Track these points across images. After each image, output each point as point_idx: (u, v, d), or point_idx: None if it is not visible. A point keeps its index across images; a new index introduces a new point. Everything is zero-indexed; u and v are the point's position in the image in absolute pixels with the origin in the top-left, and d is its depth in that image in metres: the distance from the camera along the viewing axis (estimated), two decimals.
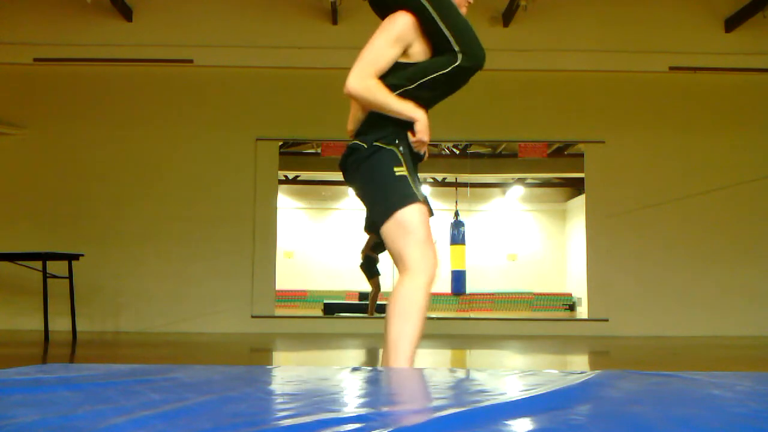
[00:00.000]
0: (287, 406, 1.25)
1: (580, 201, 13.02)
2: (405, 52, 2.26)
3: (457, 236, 13.09)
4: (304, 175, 15.81)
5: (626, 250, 7.77)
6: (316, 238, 16.84)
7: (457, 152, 13.31)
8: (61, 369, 1.84)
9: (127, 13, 7.80)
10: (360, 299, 13.41)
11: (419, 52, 2.27)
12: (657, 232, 7.79)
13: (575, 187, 15.80)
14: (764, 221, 7.80)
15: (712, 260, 7.74)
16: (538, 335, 7.62)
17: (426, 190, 14.96)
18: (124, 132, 7.85)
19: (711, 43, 7.96)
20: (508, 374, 1.78)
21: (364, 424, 1.03)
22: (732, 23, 7.87)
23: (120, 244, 7.65)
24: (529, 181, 16.61)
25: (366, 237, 9.52)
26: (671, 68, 7.94)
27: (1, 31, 7.79)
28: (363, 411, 1.18)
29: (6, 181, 7.76)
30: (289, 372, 1.89)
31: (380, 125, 2.25)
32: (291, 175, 15.58)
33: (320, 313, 11.63)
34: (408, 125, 2.24)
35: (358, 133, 2.31)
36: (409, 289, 2.14)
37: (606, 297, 7.73)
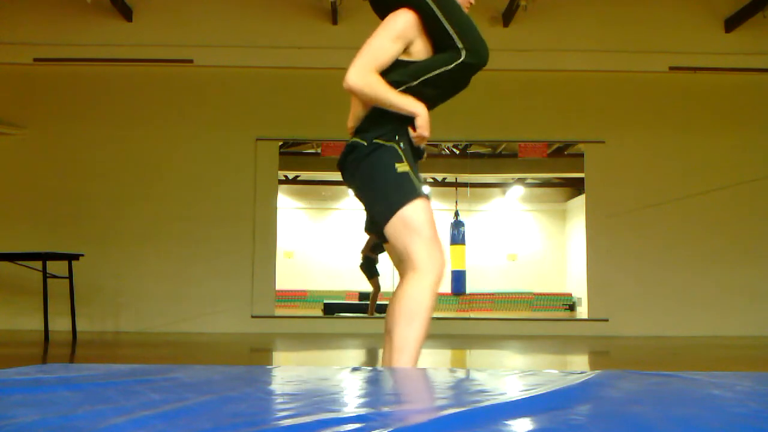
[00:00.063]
0: (287, 406, 1.25)
1: (580, 201, 13.02)
2: (406, 50, 2.24)
3: (457, 236, 13.10)
4: (304, 175, 15.81)
5: (626, 250, 7.76)
6: (316, 238, 16.84)
7: (457, 152, 13.31)
8: (61, 369, 1.84)
9: (127, 13, 7.80)
10: (360, 299, 13.41)
11: (420, 50, 2.26)
12: (657, 232, 7.79)
13: (575, 187, 15.80)
14: (764, 221, 7.80)
15: (712, 260, 7.74)
16: (538, 335, 7.62)
17: (426, 190, 14.94)
18: (124, 132, 7.85)
19: (711, 43, 7.96)
20: (508, 374, 1.78)
21: (364, 424, 1.03)
22: (732, 23, 7.87)
23: (120, 244, 7.65)
24: (529, 181, 16.61)
25: (366, 237, 9.53)
26: (671, 68, 7.94)
27: (1, 31, 7.79)
28: (363, 411, 1.18)
29: (6, 181, 7.76)
30: (289, 372, 1.88)
31: (380, 122, 2.23)
32: (291, 175, 15.58)
33: (320, 313, 11.63)
34: (408, 121, 2.22)
35: (358, 131, 2.28)
36: (416, 290, 2.11)
37: (606, 297, 7.73)
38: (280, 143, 8.27)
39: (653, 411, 1.23)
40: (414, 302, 2.10)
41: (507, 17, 7.80)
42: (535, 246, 17.25)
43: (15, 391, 1.40)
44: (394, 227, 2.17)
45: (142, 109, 7.92)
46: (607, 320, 7.70)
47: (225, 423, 1.07)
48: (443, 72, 2.23)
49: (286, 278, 13.29)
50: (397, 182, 2.17)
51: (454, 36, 2.23)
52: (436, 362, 4.47)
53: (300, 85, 7.92)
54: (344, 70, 2.19)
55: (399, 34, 2.22)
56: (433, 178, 15.59)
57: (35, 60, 7.82)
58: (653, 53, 7.91)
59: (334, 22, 7.87)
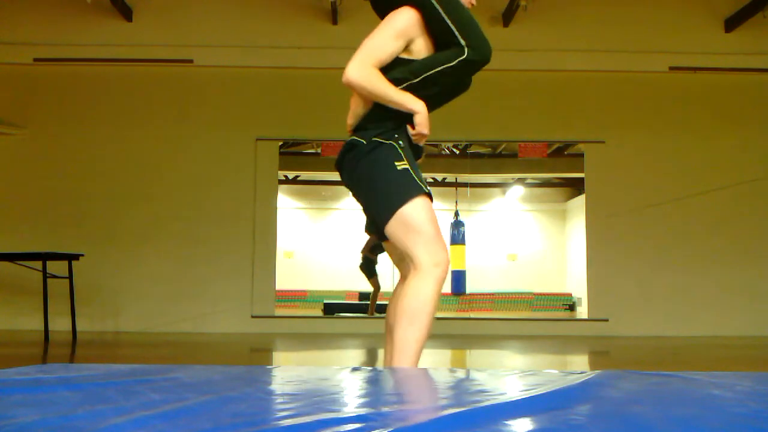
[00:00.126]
0: (287, 406, 1.25)
1: (580, 201, 13.02)
2: (407, 49, 2.23)
3: (457, 236, 13.10)
4: (304, 175, 15.82)
5: (626, 250, 7.76)
6: (316, 238, 16.84)
7: (457, 152, 13.31)
8: (61, 369, 1.84)
9: (127, 13, 7.80)
10: (360, 299, 13.41)
11: (421, 49, 2.25)
12: (657, 232, 7.79)
13: (575, 187, 15.80)
14: (764, 221, 7.79)
15: (712, 260, 7.74)
16: (538, 335, 7.62)
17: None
18: (124, 132, 7.85)
19: (711, 43, 7.96)
20: (508, 374, 1.78)
21: (364, 424, 1.03)
22: (732, 23, 7.87)
23: (120, 244, 7.65)
24: (529, 181, 16.61)
25: (366, 237, 9.54)
26: (671, 68, 7.94)
27: (1, 31, 7.79)
28: (363, 411, 1.18)
29: (6, 181, 7.76)
30: (289, 372, 1.89)
31: (380, 120, 2.21)
32: (291, 175, 15.58)
33: (320, 313, 11.63)
34: (408, 119, 2.20)
35: (357, 129, 2.26)
36: (419, 290, 2.09)
37: (606, 297, 7.73)
38: (280, 143, 8.27)
39: (653, 411, 1.23)
40: (416, 302, 2.09)
41: (507, 17, 7.81)
42: (535, 246, 17.25)
43: (15, 391, 1.40)
44: (394, 226, 2.15)
45: (142, 109, 7.92)
46: (607, 320, 7.70)
47: (225, 423, 1.07)
48: (446, 69, 2.21)
49: (286, 278, 13.29)
50: (397, 180, 2.15)
51: (457, 33, 2.21)
52: (436, 362, 4.47)
53: (300, 85, 7.92)
54: (344, 69, 2.18)
55: (400, 31, 2.21)
56: (433, 178, 15.59)
57: (35, 60, 7.82)
58: (653, 53, 7.91)
59: (334, 22, 7.87)
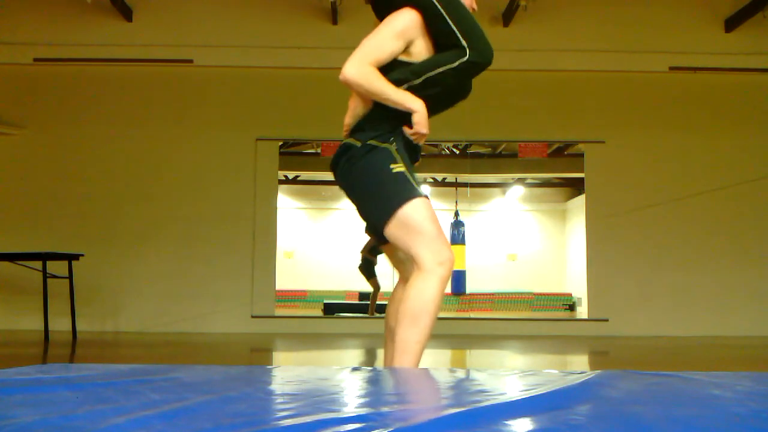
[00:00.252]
0: (287, 406, 1.25)
1: (580, 201, 13.02)
2: (407, 50, 2.22)
3: (457, 236, 13.11)
4: (304, 175, 15.81)
5: (626, 250, 7.76)
6: (316, 238, 16.84)
7: (457, 152, 13.31)
8: (61, 369, 1.84)
9: (127, 13, 7.80)
10: (360, 299, 13.40)
11: (421, 51, 2.23)
12: (657, 232, 7.79)
13: (575, 187, 15.80)
14: (764, 221, 7.79)
15: (712, 260, 7.74)
16: (538, 335, 7.62)
17: (426, 190, 14.97)
18: (124, 132, 7.85)
19: (711, 43, 7.96)
20: (508, 374, 1.78)
21: (364, 424, 1.03)
22: (732, 23, 7.87)
23: (120, 244, 7.66)
24: (529, 181, 16.61)
25: (366, 238, 9.54)
26: (671, 68, 7.94)
27: (1, 31, 7.79)
28: (363, 411, 1.18)
29: (6, 181, 7.76)
30: (289, 372, 1.88)
31: (377, 123, 2.20)
32: (291, 175, 15.57)
33: (320, 313, 11.63)
34: (406, 120, 2.18)
35: (354, 131, 2.25)
36: (422, 290, 2.08)
37: (606, 297, 7.73)
38: (280, 143, 8.27)
39: (653, 411, 1.23)
40: (419, 302, 2.08)
41: (507, 17, 7.81)
42: (535, 246, 17.24)
43: (15, 391, 1.40)
44: (394, 228, 2.13)
45: (142, 109, 7.92)
46: (607, 320, 7.70)
47: (225, 423, 1.07)
48: (447, 70, 2.19)
49: (286, 278, 13.29)
50: (394, 183, 2.13)
51: (459, 34, 2.20)
52: (436, 362, 4.47)
53: (300, 85, 7.92)
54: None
55: (400, 31, 2.19)
56: (433, 178, 15.59)
57: (35, 60, 7.82)
58: (653, 53, 7.91)
59: (334, 22, 7.87)
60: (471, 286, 13.89)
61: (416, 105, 2.16)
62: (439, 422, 1.07)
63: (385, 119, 2.20)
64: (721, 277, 7.69)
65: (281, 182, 12.60)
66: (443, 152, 13.28)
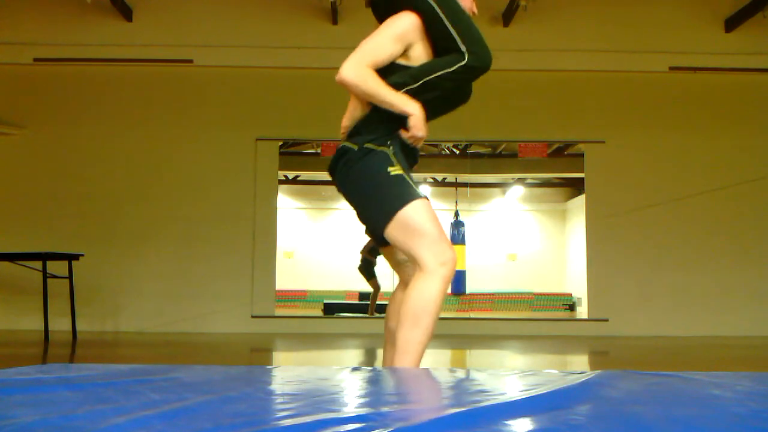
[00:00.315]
0: (287, 406, 1.25)
1: (580, 201, 13.02)
2: (405, 54, 2.22)
3: (457, 236, 13.11)
4: (304, 175, 15.81)
5: (626, 250, 7.76)
6: (316, 238, 16.84)
7: (457, 152, 13.31)
8: (61, 369, 1.84)
9: (127, 13, 7.80)
10: (360, 299, 13.41)
11: (420, 55, 2.23)
12: (657, 232, 7.79)
13: (575, 187, 15.80)
14: (764, 221, 7.80)
15: (712, 260, 7.74)
16: (538, 335, 7.62)
17: (426, 190, 14.98)
18: (124, 132, 7.85)
19: (711, 43, 7.96)
20: (508, 374, 1.78)
21: (364, 424, 1.03)
22: (732, 23, 7.87)
23: (120, 244, 7.66)
24: (529, 181, 16.61)
25: (367, 238, 9.53)
26: (671, 68, 7.94)
27: (1, 31, 7.79)
28: (363, 411, 1.18)
29: (6, 181, 7.77)
30: (289, 372, 1.88)
31: (374, 126, 2.19)
32: (291, 175, 15.57)
33: (320, 313, 11.63)
34: (402, 123, 2.17)
35: (350, 134, 2.24)
36: (424, 290, 2.08)
37: (606, 297, 7.73)
38: (280, 143, 8.27)
39: (653, 411, 1.23)
40: (421, 302, 2.07)
41: (507, 17, 7.81)
42: (535, 246, 17.24)
43: (15, 391, 1.40)
44: (395, 231, 2.12)
45: (142, 109, 7.92)
46: (607, 320, 7.70)
47: (225, 423, 1.07)
48: (445, 74, 2.19)
49: (286, 278, 13.29)
50: (392, 186, 2.13)
51: (458, 39, 2.20)
52: (436, 362, 4.47)
53: (300, 85, 7.92)
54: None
55: (399, 34, 2.19)
56: (433, 178, 15.59)
57: (35, 60, 7.82)
58: (653, 53, 7.91)
59: (334, 22, 7.87)
60: (471, 286, 13.89)
61: (412, 108, 2.15)
62: (439, 422, 1.07)
63: (381, 122, 2.19)
64: (721, 277, 7.70)
65: (281, 182, 12.60)
66: (443, 152, 13.28)
